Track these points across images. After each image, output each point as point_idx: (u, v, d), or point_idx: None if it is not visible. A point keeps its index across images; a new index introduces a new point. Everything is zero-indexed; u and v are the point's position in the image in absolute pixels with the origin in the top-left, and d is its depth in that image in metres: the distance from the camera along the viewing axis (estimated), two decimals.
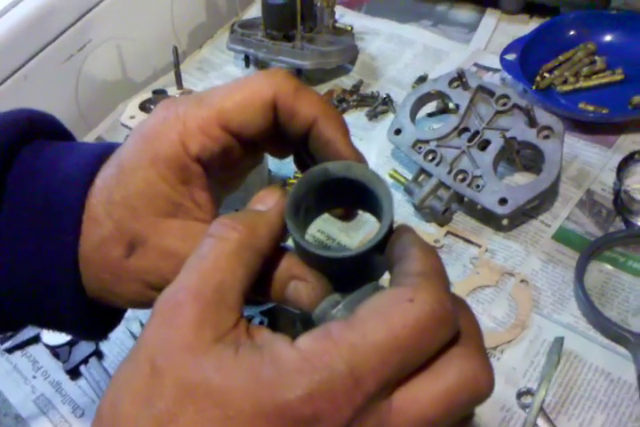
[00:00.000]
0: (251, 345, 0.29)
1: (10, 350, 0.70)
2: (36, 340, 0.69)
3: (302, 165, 0.42)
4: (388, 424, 0.28)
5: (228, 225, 0.32)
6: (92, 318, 0.39)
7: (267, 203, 0.35)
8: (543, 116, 0.66)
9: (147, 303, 0.38)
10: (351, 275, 0.35)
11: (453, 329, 0.29)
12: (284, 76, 0.37)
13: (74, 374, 0.67)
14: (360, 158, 0.37)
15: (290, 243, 0.35)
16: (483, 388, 0.29)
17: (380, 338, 0.27)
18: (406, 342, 0.27)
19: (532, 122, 0.66)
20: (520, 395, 0.57)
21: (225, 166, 0.39)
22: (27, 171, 0.38)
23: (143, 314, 0.69)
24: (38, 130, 0.41)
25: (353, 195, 0.36)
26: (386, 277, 0.35)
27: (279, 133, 0.38)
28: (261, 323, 0.56)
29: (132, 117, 0.72)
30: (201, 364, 0.27)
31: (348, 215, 0.41)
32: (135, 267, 0.37)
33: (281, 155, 0.42)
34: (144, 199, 0.36)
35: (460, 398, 0.28)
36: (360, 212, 0.42)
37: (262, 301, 0.35)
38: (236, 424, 0.26)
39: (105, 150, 0.39)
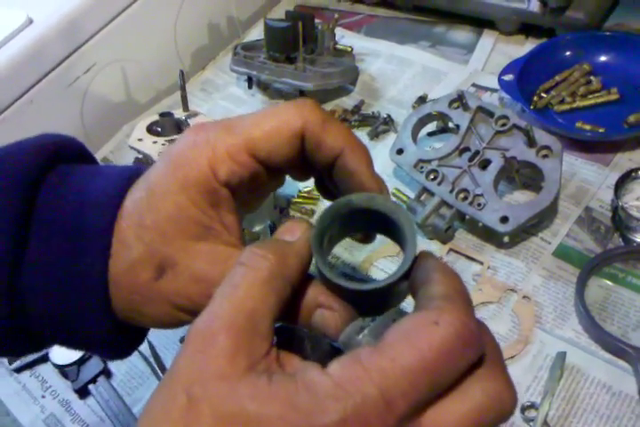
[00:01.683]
0: (283, 373, 0.30)
1: (18, 370, 0.71)
2: (44, 359, 0.70)
3: (323, 188, 0.43)
4: None
5: (259, 254, 0.33)
6: (118, 339, 0.39)
7: (294, 233, 0.36)
8: (542, 136, 0.68)
9: (174, 324, 0.39)
10: (376, 302, 0.36)
11: (479, 350, 0.30)
12: (312, 108, 0.38)
13: (82, 393, 0.68)
14: (383, 190, 0.39)
15: (312, 269, 0.36)
16: (507, 406, 0.30)
17: (409, 361, 0.28)
18: (434, 364, 0.28)
19: (531, 142, 0.68)
20: (524, 409, 0.58)
21: (250, 189, 0.40)
22: (55, 195, 0.39)
23: (152, 334, 0.70)
24: (64, 154, 0.42)
25: (375, 223, 0.37)
26: (409, 300, 0.36)
27: (303, 159, 0.39)
28: None
29: (139, 140, 0.74)
30: (236, 392, 0.28)
31: (367, 238, 0.43)
32: (164, 289, 0.38)
33: (302, 178, 0.43)
34: (175, 223, 0.37)
35: (487, 417, 0.29)
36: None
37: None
38: None
39: (132, 174, 0.40)
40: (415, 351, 0.28)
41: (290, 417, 0.27)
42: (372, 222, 0.37)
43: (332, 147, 0.38)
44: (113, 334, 0.39)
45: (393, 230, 0.36)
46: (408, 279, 0.34)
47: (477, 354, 0.30)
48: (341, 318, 0.35)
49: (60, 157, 0.41)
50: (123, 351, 0.42)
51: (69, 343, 0.41)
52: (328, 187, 0.42)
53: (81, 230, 0.37)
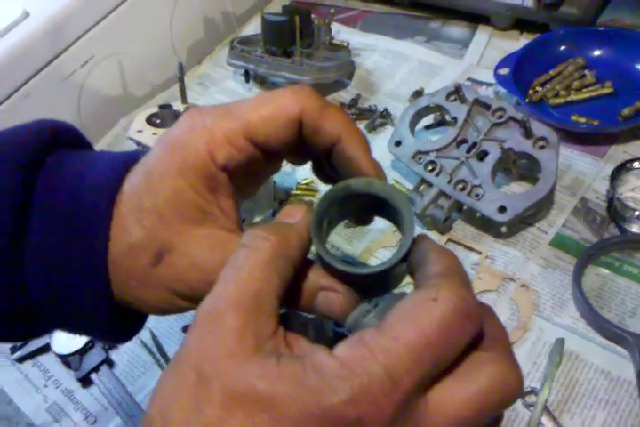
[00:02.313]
0: (290, 355, 0.30)
1: (20, 360, 0.71)
2: (46, 349, 0.70)
3: (320, 172, 0.44)
4: (426, 423, 0.29)
5: (260, 235, 0.34)
6: (118, 322, 0.39)
7: (294, 217, 0.36)
8: (538, 128, 0.69)
9: (172, 310, 0.40)
10: (376, 284, 0.37)
11: (478, 323, 0.31)
12: (310, 94, 0.38)
13: (85, 382, 0.68)
14: (381, 175, 0.39)
15: (311, 255, 0.37)
16: (513, 390, 0.31)
17: (411, 338, 0.29)
18: (435, 339, 0.29)
19: (527, 133, 0.69)
20: (524, 395, 0.59)
21: (247, 174, 0.40)
22: (53, 179, 0.39)
23: (154, 323, 0.70)
24: (61, 140, 0.41)
25: (373, 207, 0.38)
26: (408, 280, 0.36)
27: (301, 144, 0.39)
28: None
29: (139, 131, 0.74)
30: (246, 371, 0.29)
31: (365, 220, 0.43)
32: (162, 275, 0.38)
33: (300, 162, 0.43)
34: (173, 207, 0.37)
35: (492, 400, 0.30)
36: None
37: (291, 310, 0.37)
38: None
39: (130, 158, 0.40)
40: (416, 328, 0.29)
41: (299, 396, 0.28)
42: (370, 206, 0.38)
43: (330, 133, 0.38)
44: (112, 319, 0.39)
45: (391, 214, 0.37)
46: (406, 261, 0.35)
47: (478, 326, 0.31)
48: (345, 298, 0.36)
49: (57, 141, 0.41)
50: (122, 336, 0.42)
51: (69, 327, 0.41)
52: (325, 171, 0.43)
53: (80, 214, 0.37)
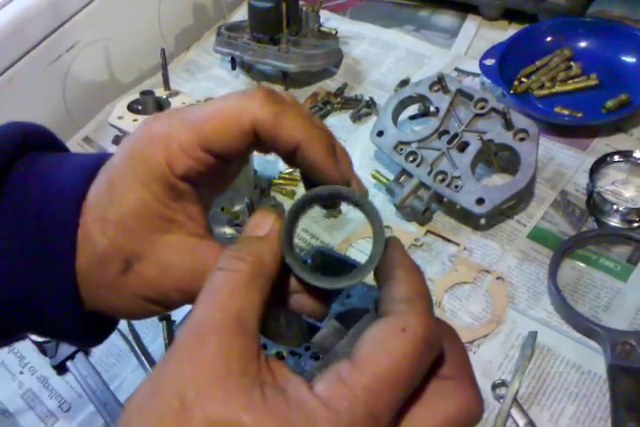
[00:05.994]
0: (274, 386, 0.30)
1: None
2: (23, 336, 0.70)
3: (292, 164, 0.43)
4: None
5: (236, 257, 0.33)
6: (89, 329, 0.39)
7: (264, 228, 0.36)
8: (519, 120, 0.69)
9: (144, 315, 0.40)
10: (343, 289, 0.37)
11: (439, 348, 0.32)
12: (263, 100, 0.36)
13: (60, 369, 0.68)
14: (349, 179, 0.37)
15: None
16: (474, 417, 0.32)
17: (387, 374, 0.29)
18: (408, 371, 0.30)
19: (508, 125, 0.68)
20: (495, 386, 0.59)
21: (213, 177, 0.39)
22: (19, 185, 0.38)
23: None
24: (32, 143, 0.41)
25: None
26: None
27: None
28: None
29: (120, 118, 0.74)
30: (231, 401, 0.28)
31: (333, 206, 0.43)
32: (132, 283, 0.38)
33: (269, 152, 0.43)
34: (138, 218, 0.37)
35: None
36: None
37: None
38: None
39: (96, 162, 0.39)
40: (391, 363, 0.30)
41: None
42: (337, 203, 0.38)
43: (288, 140, 0.36)
44: (83, 326, 0.39)
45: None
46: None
47: (438, 352, 0.32)
48: (316, 301, 0.36)
49: (28, 145, 0.40)
50: (93, 341, 0.42)
51: (38, 332, 0.41)
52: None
53: (46, 221, 0.37)
